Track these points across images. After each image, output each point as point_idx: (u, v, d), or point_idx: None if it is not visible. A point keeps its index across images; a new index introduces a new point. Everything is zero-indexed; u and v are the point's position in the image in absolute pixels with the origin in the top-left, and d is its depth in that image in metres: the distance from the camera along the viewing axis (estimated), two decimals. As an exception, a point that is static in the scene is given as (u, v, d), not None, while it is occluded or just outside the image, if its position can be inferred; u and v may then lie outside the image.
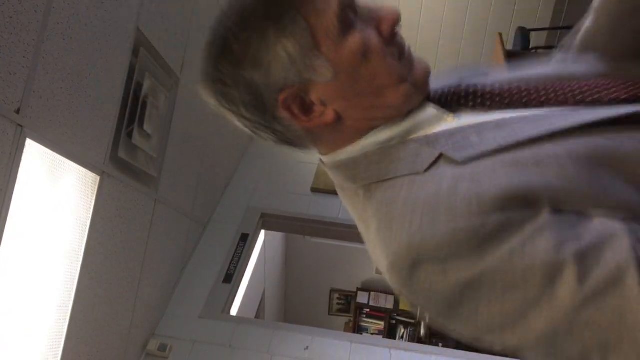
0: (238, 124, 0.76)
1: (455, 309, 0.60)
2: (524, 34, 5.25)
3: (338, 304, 8.20)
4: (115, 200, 2.50)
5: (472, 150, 0.64)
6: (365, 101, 0.71)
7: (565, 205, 0.58)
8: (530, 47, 5.36)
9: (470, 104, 0.72)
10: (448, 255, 0.58)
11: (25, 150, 1.80)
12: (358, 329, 7.84)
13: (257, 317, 5.82)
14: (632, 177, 0.60)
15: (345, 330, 7.82)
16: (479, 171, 0.61)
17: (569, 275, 0.54)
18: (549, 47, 5.74)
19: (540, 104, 0.70)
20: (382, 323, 7.96)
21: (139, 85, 2.55)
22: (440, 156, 0.66)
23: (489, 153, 0.63)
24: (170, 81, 2.93)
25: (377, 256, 0.68)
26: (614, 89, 0.69)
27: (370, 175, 0.71)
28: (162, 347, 3.10)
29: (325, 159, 0.79)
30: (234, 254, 3.85)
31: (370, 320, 7.89)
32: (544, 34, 5.84)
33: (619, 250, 0.53)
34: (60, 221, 2.11)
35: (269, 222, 4.28)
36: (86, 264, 2.29)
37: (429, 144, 0.69)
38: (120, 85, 2.39)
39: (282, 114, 0.72)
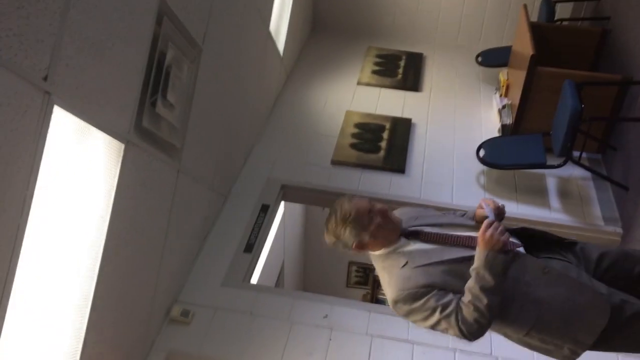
0: (339, 248, 2.05)
1: (409, 316, 1.95)
2: (549, 5, 5.15)
3: (356, 276, 8.27)
4: (140, 169, 2.54)
5: (416, 264, 1.95)
6: (380, 242, 2.01)
7: (444, 289, 1.91)
8: (555, 18, 5.26)
9: (419, 238, 2.02)
10: (405, 301, 1.92)
11: (53, 117, 1.83)
12: (375, 302, 7.90)
13: (276, 287, 5.89)
14: (465, 280, 1.88)
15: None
16: (418, 273, 1.93)
17: (437, 311, 1.88)
18: (574, 19, 5.63)
19: (444, 243, 2.00)
20: (400, 296, 7.94)
21: (163, 55, 2.56)
22: (406, 263, 1.96)
23: (421, 265, 1.94)
24: (193, 52, 2.94)
25: (386, 293, 2.03)
26: (468, 242, 1.98)
27: (388, 262, 2.02)
28: (185, 313, 3.17)
29: (373, 254, 2.07)
30: (255, 225, 3.89)
31: (388, 293, 7.89)
32: (570, 5, 5.72)
33: (452, 305, 1.87)
34: (87, 188, 2.16)
35: (289, 193, 4.32)
36: (112, 230, 2.34)
37: (404, 255, 1.99)
38: (143, 54, 2.41)
39: (355, 248, 2.02)
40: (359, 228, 1.95)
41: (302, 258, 7.70)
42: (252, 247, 3.74)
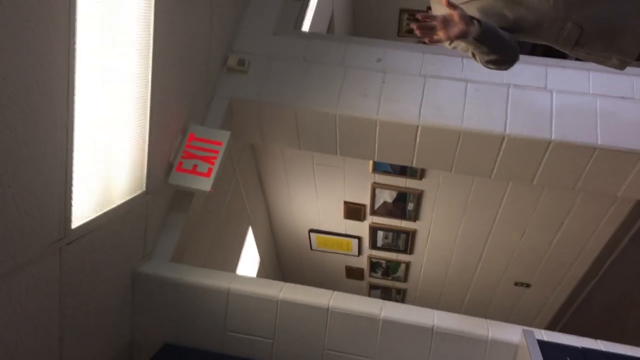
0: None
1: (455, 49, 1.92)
2: None
3: (407, 24, 8.05)
4: None
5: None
6: None
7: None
8: None
9: None
10: None
11: None
12: (428, 48, 7.76)
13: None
14: (500, 15, 1.83)
15: (415, 49, 7.74)
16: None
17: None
18: None
19: None
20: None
21: None
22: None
23: (460, 3, 1.79)
24: None
25: None
26: None
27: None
28: (241, 62, 3.24)
29: None
30: (302, -31, 3.73)
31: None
32: None
33: None
34: None
35: None
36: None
37: None
38: None
39: None
40: None
41: (352, 6, 7.48)
42: (301, -7, 3.64)
